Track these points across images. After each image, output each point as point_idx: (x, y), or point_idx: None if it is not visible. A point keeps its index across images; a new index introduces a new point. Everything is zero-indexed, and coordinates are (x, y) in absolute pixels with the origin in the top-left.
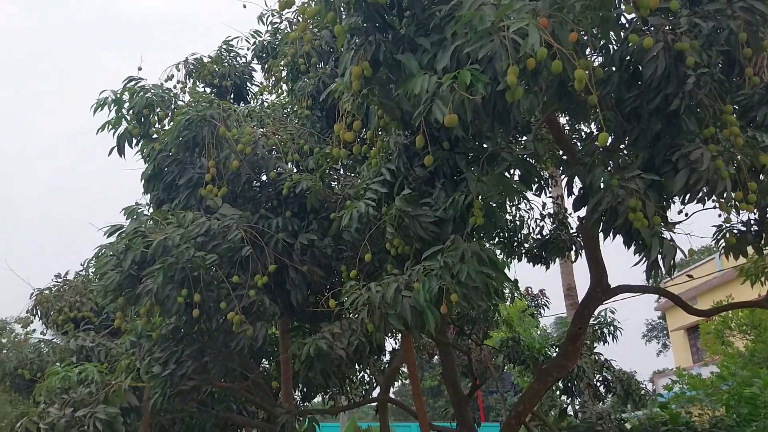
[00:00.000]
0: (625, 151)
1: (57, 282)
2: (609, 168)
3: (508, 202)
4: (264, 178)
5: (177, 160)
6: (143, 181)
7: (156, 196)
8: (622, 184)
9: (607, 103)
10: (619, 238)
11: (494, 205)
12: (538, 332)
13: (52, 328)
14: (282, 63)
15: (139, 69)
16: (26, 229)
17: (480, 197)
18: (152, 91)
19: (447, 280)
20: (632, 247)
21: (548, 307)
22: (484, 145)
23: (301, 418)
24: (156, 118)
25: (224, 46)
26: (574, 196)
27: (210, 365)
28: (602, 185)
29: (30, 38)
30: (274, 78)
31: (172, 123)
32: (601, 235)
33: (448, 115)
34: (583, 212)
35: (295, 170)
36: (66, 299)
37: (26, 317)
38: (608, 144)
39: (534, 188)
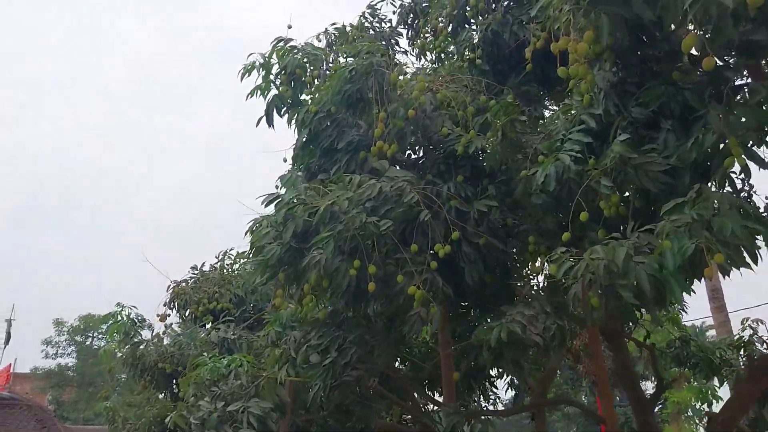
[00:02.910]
0: None
1: (194, 274)
2: None
3: None
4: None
5: (336, 121)
6: (296, 149)
7: (312, 163)
8: None
9: None
10: None
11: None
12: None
13: (190, 321)
14: (444, 13)
15: (289, 27)
16: (163, 228)
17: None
18: (303, 50)
19: (704, 237)
20: None
21: (686, 312)
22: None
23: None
24: (311, 77)
25: (368, 11)
26: None
27: (376, 353)
28: None
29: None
30: (430, 33)
31: (328, 81)
32: None
33: None
34: None
35: (463, 130)
36: (204, 291)
37: (164, 312)
38: None
39: None
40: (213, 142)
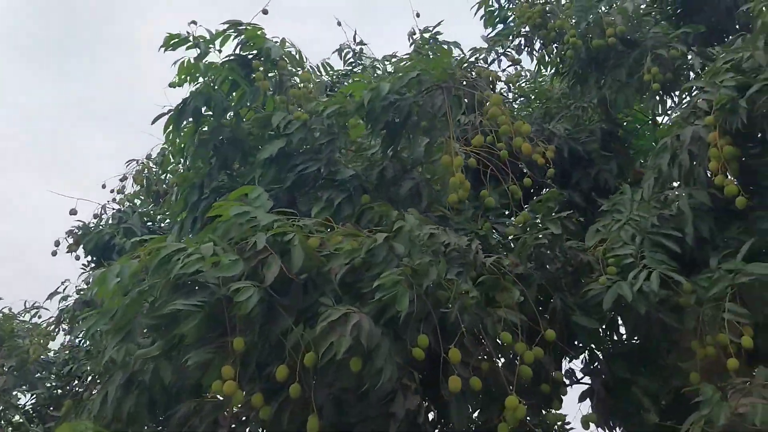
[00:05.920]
0: None
1: None
2: None
3: None
4: None
5: (332, 143)
6: (262, 168)
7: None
8: None
9: None
10: None
11: None
12: None
13: None
14: None
15: (265, 12)
16: None
17: None
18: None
19: None
20: None
21: None
22: None
23: None
24: (307, 72)
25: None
26: None
27: None
28: None
29: None
30: None
31: (350, 86)
32: None
33: None
34: None
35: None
36: None
37: None
38: None
39: None
40: None
